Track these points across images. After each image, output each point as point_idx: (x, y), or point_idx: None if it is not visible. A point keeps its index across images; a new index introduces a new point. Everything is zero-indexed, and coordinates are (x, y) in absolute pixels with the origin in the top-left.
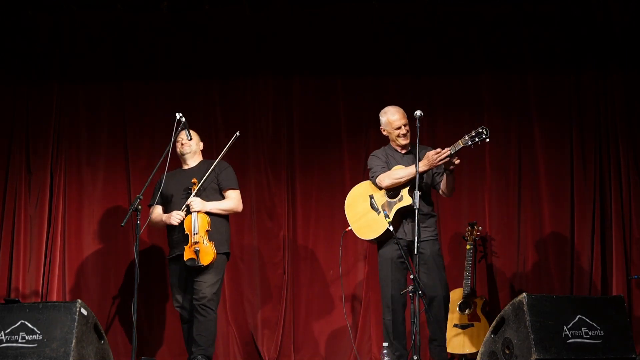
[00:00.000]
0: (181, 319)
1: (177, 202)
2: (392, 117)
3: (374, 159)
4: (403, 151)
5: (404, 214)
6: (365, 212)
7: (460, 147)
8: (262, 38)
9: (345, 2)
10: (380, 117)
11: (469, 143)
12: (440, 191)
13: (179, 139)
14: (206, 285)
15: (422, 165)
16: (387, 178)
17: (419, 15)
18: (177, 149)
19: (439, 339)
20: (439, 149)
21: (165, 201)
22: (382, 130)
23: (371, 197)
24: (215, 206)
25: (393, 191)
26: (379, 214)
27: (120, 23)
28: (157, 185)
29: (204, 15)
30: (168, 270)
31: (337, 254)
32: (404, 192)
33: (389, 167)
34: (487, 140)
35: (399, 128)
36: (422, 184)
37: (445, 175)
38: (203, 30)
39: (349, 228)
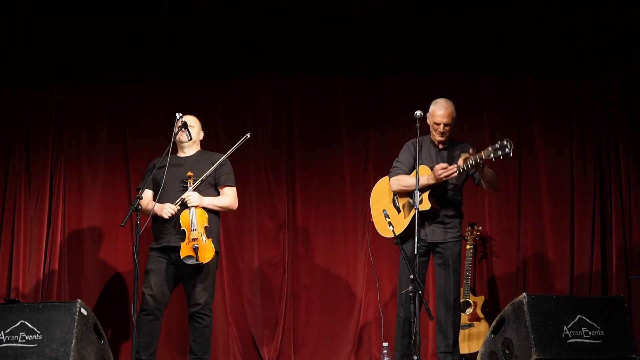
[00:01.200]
0: (144, 307)
1: (171, 192)
2: (437, 111)
3: (403, 154)
4: (440, 146)
5: (426, 215)
6: (387, 208)
7: (482, 159)
8: (262, 38)
9: (345, 2)
10: (431, 105)
11: (491, 156)
12: (484, 186)
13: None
14: (201, 290)
15: (428, 179)
16: (396, 183)
17: (419, 15)
18: (177, 136)
19: (447, 345)
20: (445, 165)
21: (156, 187)
22: (427, 117)
23: (395, 193)
24: (212, 202)
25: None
26: (399, 212)
27: (120, 23)
28: (150, 168)
29: (204, 15)
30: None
31: (337, 254)
32: (425, 195)
33: (418, 161)
34: (511, 155)
35: (438, 124)
36: (447, 186)
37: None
38: (203, 30)
39: (372, 219)
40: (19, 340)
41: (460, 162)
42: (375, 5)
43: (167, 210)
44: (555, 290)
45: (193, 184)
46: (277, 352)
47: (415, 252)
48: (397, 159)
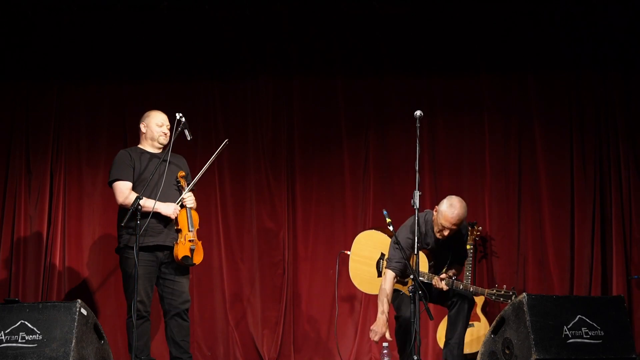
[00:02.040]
0: (137, 316)
1: (165, 191)
2: (449, 216)
3: (405, 241)
4: (439, 235)
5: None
6: (369, 262)
7: (482, 295)
8: (262, 38)
9: (345, 2)
10: (444, 202)
11: (493, 298)
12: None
13: (160, 122)
14: (187, 288)
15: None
16: (381, 286)
17: (419, 16)
18: (155, 133)
19: (461, 339)
20: (442, 285)
21: (141, 183)
22: (435, 209)
23: (382, 256)
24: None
25: (401, 278)
26: (378, 276)
27: (120, 23)
28: (128, 160)
29: (204, 15)
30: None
31: (337, 254)
32: (405, 289)
33: (418, 241)
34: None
35: (444, 228)
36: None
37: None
38: (203, 31)
39: (348, 252)
40: (19, 340)
41: (460, 285)
42: (375, 5)
43: (175, 211)
44: (555, 290)
45: (186, 184)
46: (277, 352)
47: (415, 252)
48: (398, 243)
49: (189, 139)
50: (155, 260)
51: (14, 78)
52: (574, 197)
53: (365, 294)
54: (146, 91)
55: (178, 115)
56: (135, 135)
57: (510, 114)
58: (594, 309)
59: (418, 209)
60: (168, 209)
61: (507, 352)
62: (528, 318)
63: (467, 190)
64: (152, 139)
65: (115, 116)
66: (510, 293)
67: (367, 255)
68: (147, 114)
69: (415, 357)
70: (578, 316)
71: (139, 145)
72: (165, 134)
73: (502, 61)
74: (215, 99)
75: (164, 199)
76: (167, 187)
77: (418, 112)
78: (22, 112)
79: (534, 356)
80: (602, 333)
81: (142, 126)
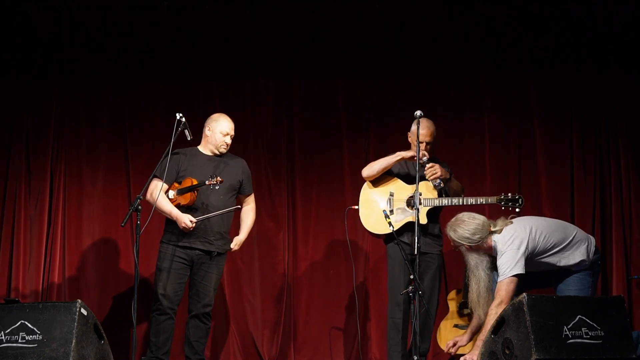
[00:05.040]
0: (157, 307)
1: (216, 194)
2: (420, 130)
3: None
4: (423, 148)
5: (411, 226)
6: (379, 203)
7: (492, 202)
8: (262, 38)
9: (346, 3)
10: (412, 124)
11: (502, 203)
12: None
13: (225, 132)
14: (213, 290)
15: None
16: (368, 168)
17: (419, 16)
18: (218, 142)
19: (425, 349)
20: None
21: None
22: (408, 135)
23: (391, 194)
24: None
25: (412, 203)
26: (390, 214)
27: (120, 23)
28: (174, 162)
29: (204, 15)
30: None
31: (337, 254)
32: (423, 211)
33: (418, 156)
34: (518, 210)
35: (420, 143)
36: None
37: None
38: (203, 30)
39: (356, 207)
40: (19, 340)
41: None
42: (375, 5)
43: (187, 222)
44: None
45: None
46: (277, 352)
47: (416, 252)
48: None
49: (189, 139)
50: (186, 259)
51: (14, 78)
52: (574, 197)
53: (366, 295)
54: (146, 91)
55: (178, 116)
56: (135, 135)
57: (510, 114)
58: (594, 309)
59: (418, 209)
60: (182, 218)
61: (507, 352)
62: (528, 318)
63: (467, 190)
64: (214, 146)
65: (115, 116)
66: (517, 197)
67: (376, 197)
68: (214, 117)
69: (415, 358)
70: (578, 316)
71: (199, 147)
72: (228, 145)
73: (502, 61)
74: (215, 99)
75: (215, 201)
76: (222, 192)
77: (418, 112)
78: (22, 112)
79: (534, 356)
80: (602, 333)
81: (206, 129)
